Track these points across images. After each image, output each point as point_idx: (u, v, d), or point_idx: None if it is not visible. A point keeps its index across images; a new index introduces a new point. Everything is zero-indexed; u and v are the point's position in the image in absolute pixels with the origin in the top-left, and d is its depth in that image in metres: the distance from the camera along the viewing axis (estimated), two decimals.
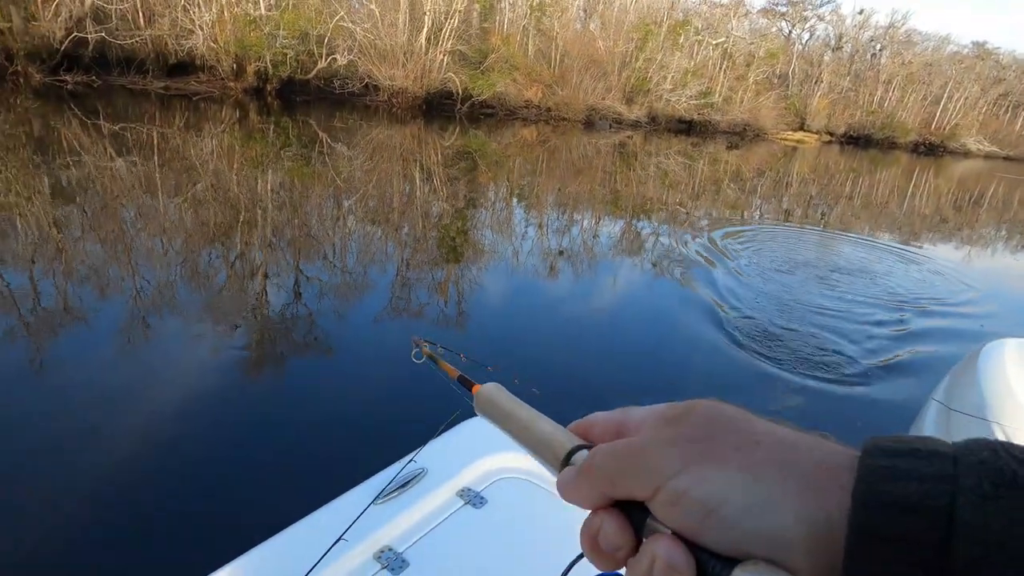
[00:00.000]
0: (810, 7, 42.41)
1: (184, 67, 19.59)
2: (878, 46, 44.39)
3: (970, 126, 44.91)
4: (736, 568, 0.24)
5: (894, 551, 0.21)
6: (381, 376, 3.55)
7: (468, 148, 15.39)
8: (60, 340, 3.60)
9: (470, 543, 1.22)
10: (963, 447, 0.24)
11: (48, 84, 16.39)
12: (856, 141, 41.68)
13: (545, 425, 0.36)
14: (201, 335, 3.78)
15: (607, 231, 8.50)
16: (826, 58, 43.19)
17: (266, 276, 4.95)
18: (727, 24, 36.81)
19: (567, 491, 0.31)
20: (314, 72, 21.41)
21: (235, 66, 20.16)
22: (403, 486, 1.30)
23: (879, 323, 5.26)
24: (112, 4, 17.90)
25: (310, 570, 1.04)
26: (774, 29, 42.42)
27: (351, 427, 3.02)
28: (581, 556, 0.33)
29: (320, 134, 14.38)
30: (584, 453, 0.33)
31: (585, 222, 8.92)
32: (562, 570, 0.77)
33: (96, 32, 17.37)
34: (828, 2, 42.69)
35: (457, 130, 19.24)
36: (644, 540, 0.28)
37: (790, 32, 43.22)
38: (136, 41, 18.41)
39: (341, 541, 1.10)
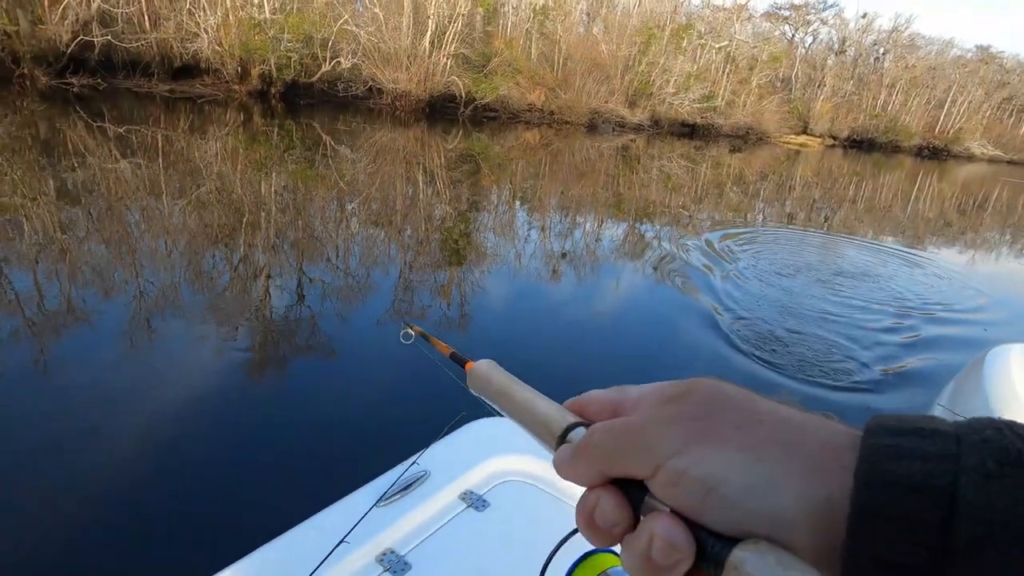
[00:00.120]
0: (813, 11, 42.46)
1: (189, 70, 19.70)
2: (881, 50, 44.35)
3: (974, 130, 44.78)
4: (736, 547, 0.24)
5: (896, 530, 0.21)
6: (384, 378, 3.55)
7: (471, 151, 15.41)
8: (63, 341, 3.61)
9: (472, 546, 1.22)
10: (966, 426, 0.23)
11: (54, 87, 16.49)
12: (859, 145, 41.62)
13: (541, 403, 0.36)
14: (204, 336, 3.78)
15: (609, 234, 8.49)
16: (829, 62, 43.18)
17: (269, 278, 4.96)
18: (730, 28, 36.85)
19: (564, 469, 0.31)
20: (318, 75, 21.49)
21: (239, 69, 20.24)
22: (405, 489, 1.30)
23: (882, 328, 5.24)
24: (118, 8, 18.01)
25: (312, 572, 1.04)
26: (777, 33, 42.46)
27: (353, 429, 3.02)
28: (575, 531, 0.32)
29: (324, 137, 14.41)
30: (581, 431, 0.32)
31: (587, 225, 8.91)
32: (564, 571, 0.77)
33: (102, 35, 17.48)
34: (831, 6, 42.76)
35: (460, 133, 19.28)
36: (642, 518, 0.28)
37: (793, 36, 43.26)
38: (141, 44, 18.52)
39: (343, 543, 1.10)
